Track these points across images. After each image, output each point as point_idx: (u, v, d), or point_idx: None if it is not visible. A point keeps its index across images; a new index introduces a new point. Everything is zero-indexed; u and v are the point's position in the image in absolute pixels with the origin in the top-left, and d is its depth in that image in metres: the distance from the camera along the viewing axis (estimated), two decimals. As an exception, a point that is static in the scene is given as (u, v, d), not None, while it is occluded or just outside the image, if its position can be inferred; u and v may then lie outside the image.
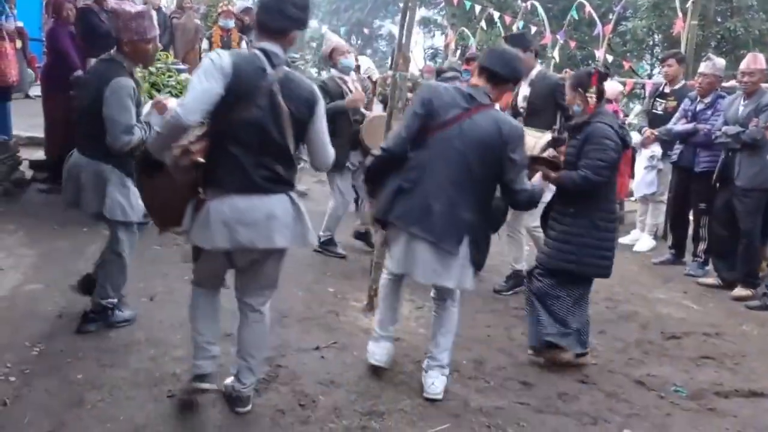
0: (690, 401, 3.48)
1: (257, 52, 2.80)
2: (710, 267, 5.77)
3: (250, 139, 2.74)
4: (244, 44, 7.24)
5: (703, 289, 5.49)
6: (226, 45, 6.93)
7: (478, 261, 3.30)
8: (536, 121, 4.84)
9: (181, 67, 6.80)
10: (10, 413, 2.86)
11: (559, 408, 3.30)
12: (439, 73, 7.23)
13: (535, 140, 4.35)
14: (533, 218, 4.68)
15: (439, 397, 3.27)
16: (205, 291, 3.07)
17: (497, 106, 3.35)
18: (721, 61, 5.80)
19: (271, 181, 2.79)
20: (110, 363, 3.36)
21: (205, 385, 2.99)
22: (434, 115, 3.18)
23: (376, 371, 3.49)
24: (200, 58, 7.34)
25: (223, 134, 2.75)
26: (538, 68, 4.98)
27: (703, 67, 5.73)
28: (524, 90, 5.01)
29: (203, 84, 2.65)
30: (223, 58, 2.70)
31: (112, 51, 3.64)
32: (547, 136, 4.47)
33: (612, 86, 7.13)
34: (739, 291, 5.24)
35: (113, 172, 3.55)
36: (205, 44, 7.20)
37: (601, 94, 3.70)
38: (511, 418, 3.14)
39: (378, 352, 3.51)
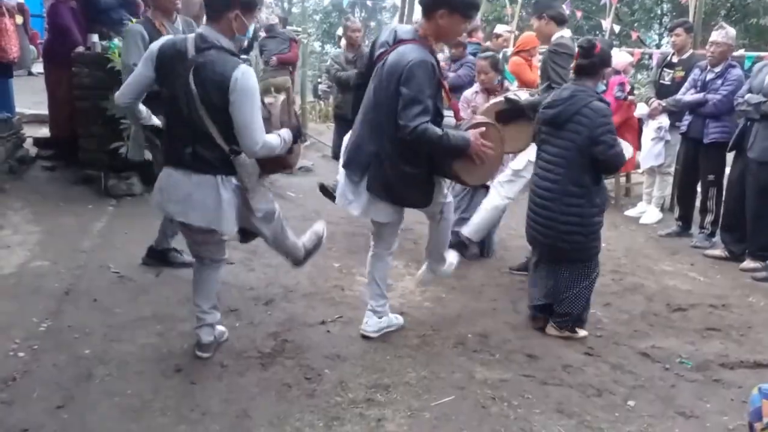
0: (695, 372, 3.48)
1: (190, 36, 2.96)
2: (717, 239, 5.74)
3: (172, 118, 3.00)
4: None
5: (710, 261, 5.47)
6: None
7: (378, 191, 3.32)
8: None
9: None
10: (19, 388, 2.89)
11: (564, 380, 3.30)
12: None
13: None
14: None
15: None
16: (196, 261, 3.30)
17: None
18: (732, 31, 5.69)
19: (196, 160, 2.93)
20: (117, 338, 3.39)
21: (204, 354, 3.23)
22: (373, 55, 3.39)
23: (381, 345, 3.52)
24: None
25: (163, 110, 3.14)
26: (557, 35, 4.60)
27: (715, 35, 5.62)
28: None
29: (137, 70, 3.05)
30: (156, 44, 3.00)
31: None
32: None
33: (620, 57, 7.02)
34: (749, 263, 5.21)
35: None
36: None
37: (578, 67, 3.67)
38: (516, 390, 3.15)
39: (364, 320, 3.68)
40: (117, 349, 3.29)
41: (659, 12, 19.80)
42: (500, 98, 3.83)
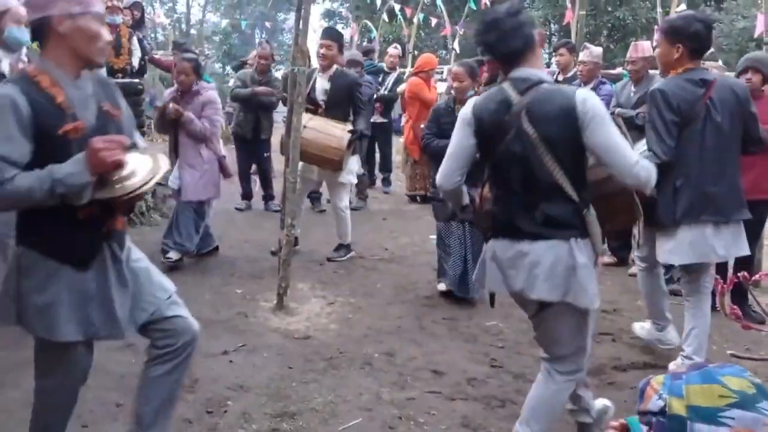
0: (591, 377, 3.62)
1: (503, 85, 2.59)
2: (605, 246, 6.04)
3: (503, 184, 2.60)
4: (135, 40, 6.91)
5: (601, 268, 5.73)
6: (115, 43, 6.57)
7: None
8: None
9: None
10: None
11: (469, 393, 3.36)
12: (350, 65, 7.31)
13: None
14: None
15: None
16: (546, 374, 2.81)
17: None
18: (598, 49, 6.13)
19: (544, 224, 2.49)
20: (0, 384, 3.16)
21: None
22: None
23: (287, 372, 3.46)
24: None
25: (490, 177, 2.68)
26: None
27: (582, 55, 6.02)
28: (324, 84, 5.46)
29: (457, 142, 2.62)
30: (466, 109, 2.62)
31: None
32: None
33: None
34: (636, 268, 5.50)
35: None
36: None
37: (489, 78, 4.23)
38: (422, 408, 3.17)
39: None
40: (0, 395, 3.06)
41: (548, 32, 20.82)
42: None
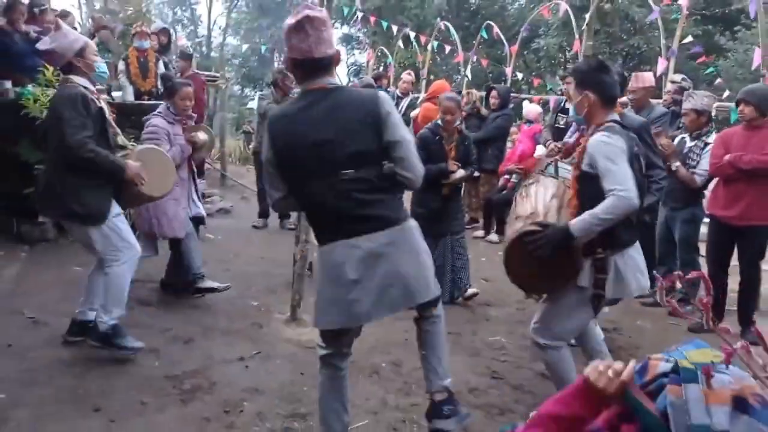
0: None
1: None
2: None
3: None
4: (161, 65, 7.24)
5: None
6: (143, 66, 6.91)
7: None
8: None
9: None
10: (-70, 435, 2.87)
11: (470, 401, 3.54)
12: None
13: None
14: None
15: None
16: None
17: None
18: None
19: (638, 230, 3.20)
20: (33, 382, 3.40)
21: None
22: None
23: (299, 378, 3.66)
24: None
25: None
26: None
27: None
28: None
29: (626, 166, 2.96)
30: (620, 143, 2.99)
31: None
32: None
33: (531, 108, 7.74)
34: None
35: None
36: (121, 65, 7.13)
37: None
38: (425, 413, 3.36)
39: None
40: (32, 392, 3.29)
41: (562, 59, 21.09)
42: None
